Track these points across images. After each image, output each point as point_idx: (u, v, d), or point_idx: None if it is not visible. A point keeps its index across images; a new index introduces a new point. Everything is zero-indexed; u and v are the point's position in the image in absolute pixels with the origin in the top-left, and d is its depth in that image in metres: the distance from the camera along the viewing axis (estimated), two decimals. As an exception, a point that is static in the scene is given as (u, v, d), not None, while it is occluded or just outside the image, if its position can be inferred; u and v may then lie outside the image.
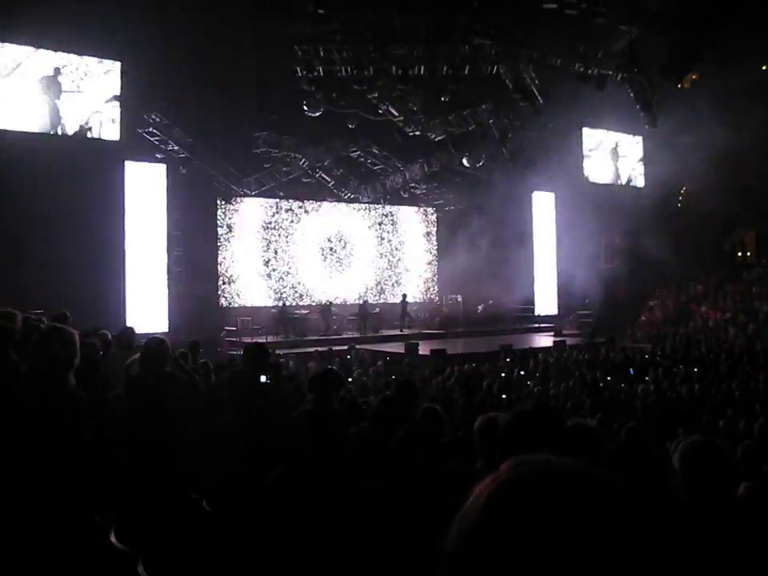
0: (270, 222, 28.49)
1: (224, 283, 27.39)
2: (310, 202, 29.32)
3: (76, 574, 3.24)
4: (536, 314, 31.99)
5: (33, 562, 3.03)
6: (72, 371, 3.74)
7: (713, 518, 2.74)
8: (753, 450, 6.07)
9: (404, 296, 29.33)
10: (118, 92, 22.76)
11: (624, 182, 34.95)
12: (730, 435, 8.53)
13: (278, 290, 28.33)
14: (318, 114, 24.25)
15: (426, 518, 2.92)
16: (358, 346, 22.00)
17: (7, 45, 21.12)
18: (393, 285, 31.53)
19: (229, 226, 27.59)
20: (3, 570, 3.02)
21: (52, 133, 21.82)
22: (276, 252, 28.51)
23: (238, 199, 27.42)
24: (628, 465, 4.03)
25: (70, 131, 22.18)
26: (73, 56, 22.15)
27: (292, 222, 28.96)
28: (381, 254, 31.46)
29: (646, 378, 15.15)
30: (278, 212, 28.66)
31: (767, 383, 12.98)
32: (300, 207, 29.12)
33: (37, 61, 21.55)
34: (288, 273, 28.65)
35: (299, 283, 28.89)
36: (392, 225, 31.98)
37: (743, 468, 5.60)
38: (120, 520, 4.01)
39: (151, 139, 23.63)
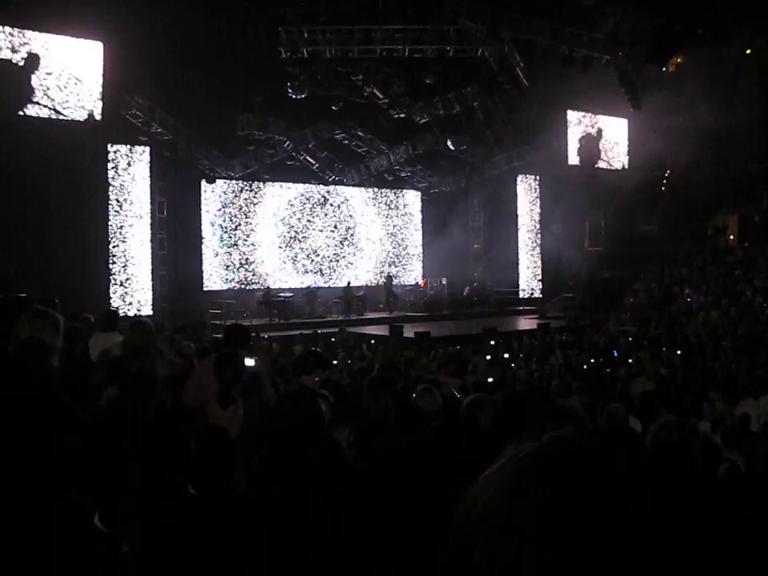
0: (254, 204, 28.39)
1: (209, 265, 27.29)
2: (297, 184, 29.21)
3: (60, 558, 3.24)
4: (520, 296, 32.10)
5: (13, 547, 3.03)
6: (54, 355, 3.73)
7: (690, 497, 2.77)
8: (733, 431, 6.13)
9: (389, 277, 29.34)
10: (99, 73, 22.54)
11: (608, 165, 34.99)
12: (712, 417, 8.62)
13: (260, 274, 28.25)
14: (302, 97, 24.16)
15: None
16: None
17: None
18: (377, 269, 31.50)
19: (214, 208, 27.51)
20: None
21: (34, 115, 21.62)
22: (248, 235, 28.41)
23: (221, 181, 27.24)
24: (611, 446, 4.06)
25: (52, 113, 21.96)
26: (53, 36, 21.89)
27: (271, 204, 28.87)
28: (368, 237, 31.39)
29: (630, 361, 15.24)
30: (258, 192, 28.52)
31: (750, 366, 13.09)
32: (282, 188, 28.99)
33: (14, 40, 21.29)
34: (261, 258, 28.58)
35: (275, 267, 28.82)
36: (379, 208, 31.93)
37: (723, 449, 5.66)
38: (104, 503, 4.01)
39: (134, 121, 23.46)
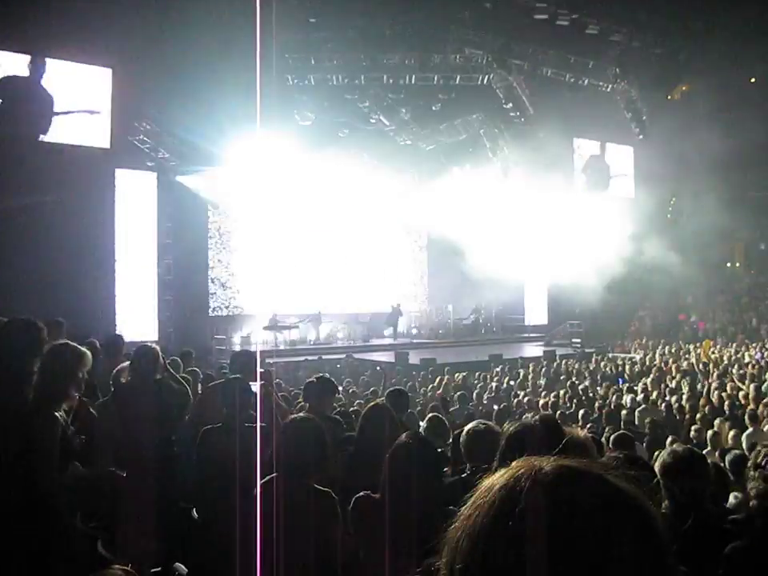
0: (259, 231, 28.46)
1: (214, 291, 27.33)
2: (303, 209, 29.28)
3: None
4: (526, 323, 32.03)
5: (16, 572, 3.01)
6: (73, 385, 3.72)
7: (691, 527, 2.75)
8: (740, 460, 6.08)
9: (397, 306, 29.09)
10: (108, 99, 22.67)
11: (614, 193, 34.99)
12: (718, 445, 8.56)
13: (266, 299, 28.25)
14: (309, 123, 24.28)
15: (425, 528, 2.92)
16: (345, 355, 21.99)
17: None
18: (384, 294, 31.47)
19: (219, 233, 27.59)
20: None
21: (41, 138, 21.73)
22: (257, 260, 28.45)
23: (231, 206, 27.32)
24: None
25: (61, 139, 22.08)
26: (62, 62, 22.05)
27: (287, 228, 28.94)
28: (373, 263, 31.41)
29: (635, 388, 15.17)
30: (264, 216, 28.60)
31: (756, 394, 13.01)
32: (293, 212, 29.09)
33: (24, 65, 21.42)
34: (272, 281, 28.59)
35: (288, 292, 28.82)
36: (386, 234, 31.99)
37: (732, 477, 5.62)
38: (107, 529, 3.99)
39: (142, 147, 23.57)
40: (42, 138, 21.67)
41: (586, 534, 0.81)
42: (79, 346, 4.02)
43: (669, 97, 31.81)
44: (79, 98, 22.26)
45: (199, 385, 8.55)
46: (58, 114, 21.97)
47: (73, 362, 3.80)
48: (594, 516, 0.82)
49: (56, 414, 3.63)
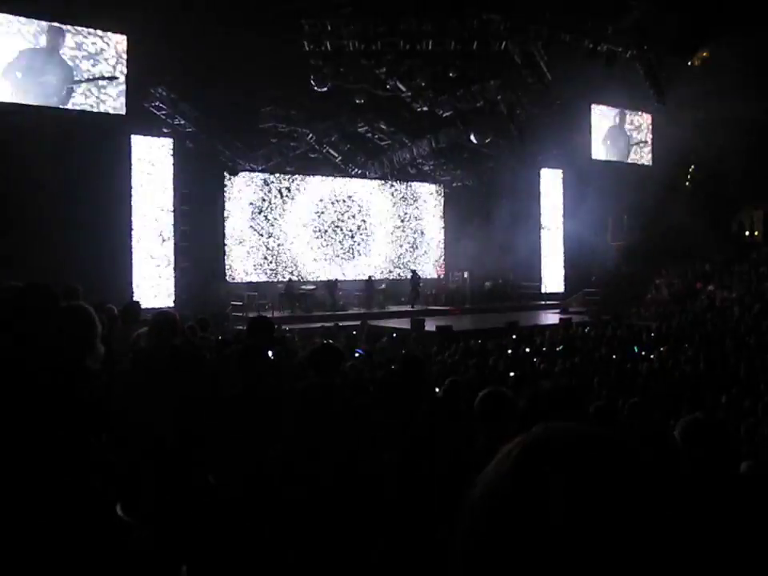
0: (274, 198, 28.51)
1: (230, 258, 27.42)
2: (319, 176, 29.27)
3: (81, 549, 3.27)
4: (542, 291, 31.97)
5: (31, 535, 3.05)
6: (94, 351, 3.72)
7: (713, 493, 2.76)
8: (756, 428, 6.09)
9: (414, 272, 29.07)
10: (123, 66, 22.64)
11: (632, 160, 34.76)
12: (734, 413, 8.56)
13: (284, 266, 28.35)
14: (325, 89, 24.15)
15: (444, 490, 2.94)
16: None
17: (8, 15, 20.94)
18: (400, 262, 31.53)
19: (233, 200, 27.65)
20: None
21: (59, 106, 21.76)
22: (276, 227, 28.53)
23: (244, 174, 27.35)
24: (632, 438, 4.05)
25: (77, 105, 22.10)
26: (77, 29, 22.02)
27: (296, 197, 28.95)
28: (390, 231, 31.42)
29: (651, 357, 15.16)
30: (280, 184, 28.64)
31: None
32: (304, 182, 29.08)
33: (39, 32, 21.41)
34: (290, 249, 28.66)
35: (300, 260, 28.87)
36: (401, 201, 31.97)
37: (746, 446, 5.63)
38: (126, 493, 4.04)
39: (158, 113, 23.55)
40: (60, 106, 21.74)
41: (603, 504, 0.81)
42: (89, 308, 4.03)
43: (689, 63, 31.42)
44: (95, 65, 22.28)
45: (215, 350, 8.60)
46: (78, 82, 21.99)
47: (87, 321, 3.78)
48: (612, 485, 0.83)
49: (87, 366, 3.64)
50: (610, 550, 0.80)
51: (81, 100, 22.12)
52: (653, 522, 0.82)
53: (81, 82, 21.97)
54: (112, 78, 22.42)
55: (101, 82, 22.34)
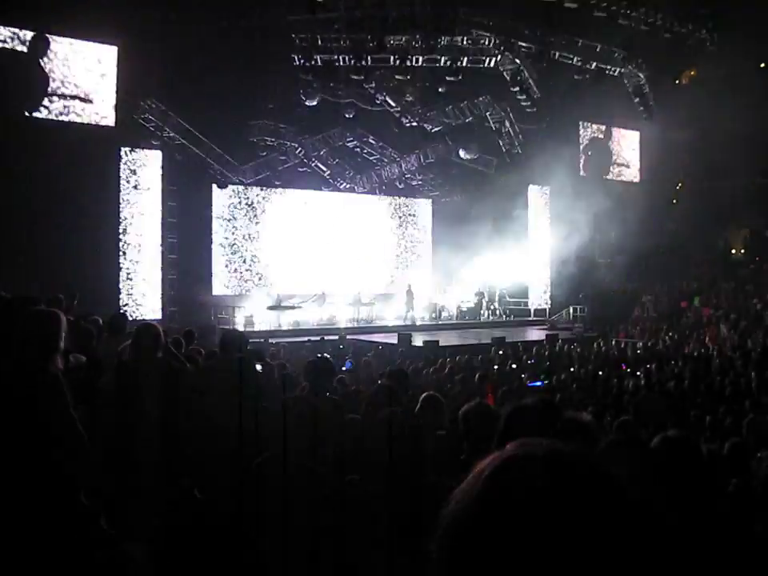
0: (263, 211, 28.46)
1: (217, 270, 27.34)
2: (308, 191, 29.24)
3: (66, 561, 3.25)
4: (529, 307, 31.99)
5: (24, 552, 3.03)
6: (57, 354, 3.68)
7: (686, 514, 2.75)
8: (740, 446, 6.08)
9: (410, 290, 28.87)
10: (113, 77, 22.59)
11: (619, 177, 34.88)
12: (718, 432, 8.57)
13: (271, 279, 28.27)
14: (314, 103, 24.22)
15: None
16: (349, 336, 21.98)
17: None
18: (390, 276, 31.54)
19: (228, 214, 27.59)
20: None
21: (45, 117, 21.68)
22: (264, 240, 28.46)
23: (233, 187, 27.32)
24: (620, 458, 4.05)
25: (64, 116, 22.02)
26: (68, 40, 21.98)
27: (284, 210, 28.91)
28: (380, 245, 31.40)
29: (638, 373, 15.18)
30: (269, 198, 28.60)
31: (759, 380, 13.01)
32: (293, 195, 29.05)
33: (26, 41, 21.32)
34: (277, 262, 28.59)
35: (287, 273, 28.80)
36: (391, 215, 31.99)
37: (730, 464, 5.62)
38: (111, 506, 4.01)
39: (147, 125, 23.53)
40: (46, 115, 21.66)
41: (571, 523, 0.81)
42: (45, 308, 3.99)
43: (677, 81, 31.64)
44: (84, 76, 22.21)
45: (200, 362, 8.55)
46: (51, 95, 21.82)
47: (48, 323, 3.72)
48: (580, 504, 0.83)
49: (56, 372, 3.60)
50: (575, 571, 0.80)
51: (70, 111, 22.05)
52: (617, 544, 0.82)
53: (55, 96, 21.81)
54: (85, 100, 22.27)
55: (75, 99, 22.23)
